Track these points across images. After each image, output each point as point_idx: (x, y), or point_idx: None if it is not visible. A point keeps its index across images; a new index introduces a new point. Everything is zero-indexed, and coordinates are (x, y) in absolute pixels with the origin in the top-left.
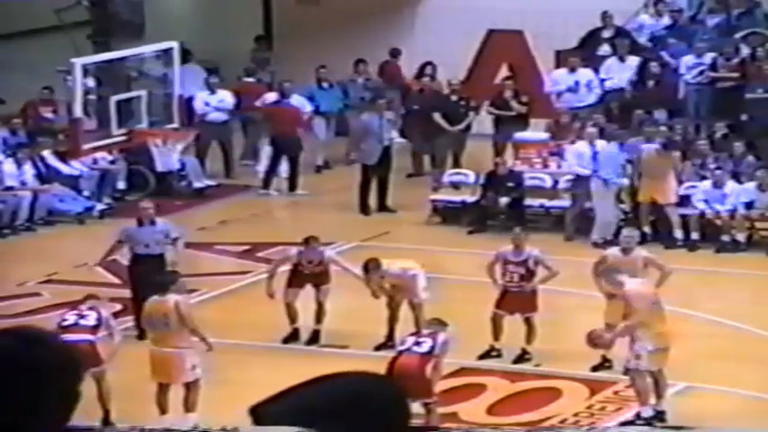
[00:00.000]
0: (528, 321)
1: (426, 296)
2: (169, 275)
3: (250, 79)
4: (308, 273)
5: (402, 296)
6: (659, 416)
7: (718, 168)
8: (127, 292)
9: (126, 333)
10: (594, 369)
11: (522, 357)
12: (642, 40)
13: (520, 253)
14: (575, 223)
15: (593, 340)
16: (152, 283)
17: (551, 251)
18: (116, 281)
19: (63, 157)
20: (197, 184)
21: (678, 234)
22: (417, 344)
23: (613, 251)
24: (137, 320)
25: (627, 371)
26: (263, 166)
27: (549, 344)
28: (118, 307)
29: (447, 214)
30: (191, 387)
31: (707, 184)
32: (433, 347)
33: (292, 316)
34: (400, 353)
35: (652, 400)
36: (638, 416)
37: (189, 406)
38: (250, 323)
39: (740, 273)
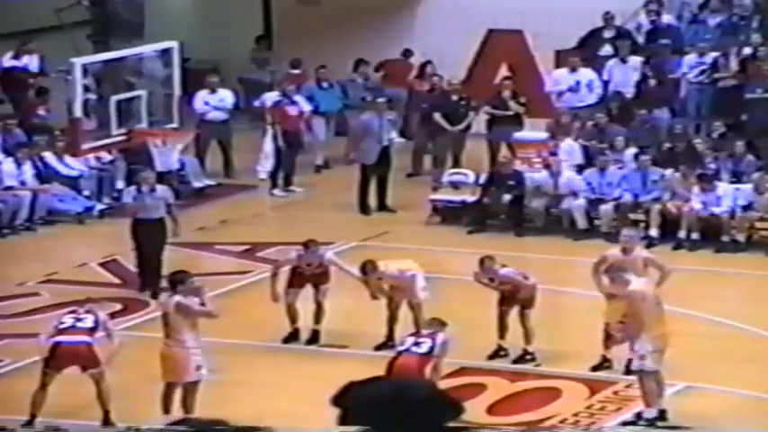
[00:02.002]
0: (522, 320)
1: (425, 296)
2: (179, 275)
3: (296, 71)
4: (309, 274)
5: (401, 296)
6: (661, 414)
7: (715, 171)
8: (128, 292)
9: (125, 334)
10: (594, 369)
11: (523, 358)
12: (642, 40)
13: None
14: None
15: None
16: (151, 243)
17: (551, 251)
18: (116, 281)
19: (62, 156)
20: (197, 184)
21: (682, 234)
22: (416, 344)
23: (613, 251)
24: (141, 276)
25: (632, 372)
26: (268, 166)
27: (549, 344)
28: (118, 307)
29: (447, 214)
30: (189, 388)
31: (699, 187)
32: (432, 348)
33: (293, 316)
34: (399, 353)
35: (658, 403)
36: (638, 416)
37: (188, 407)
38: (250, 323)
39: (740, 273)
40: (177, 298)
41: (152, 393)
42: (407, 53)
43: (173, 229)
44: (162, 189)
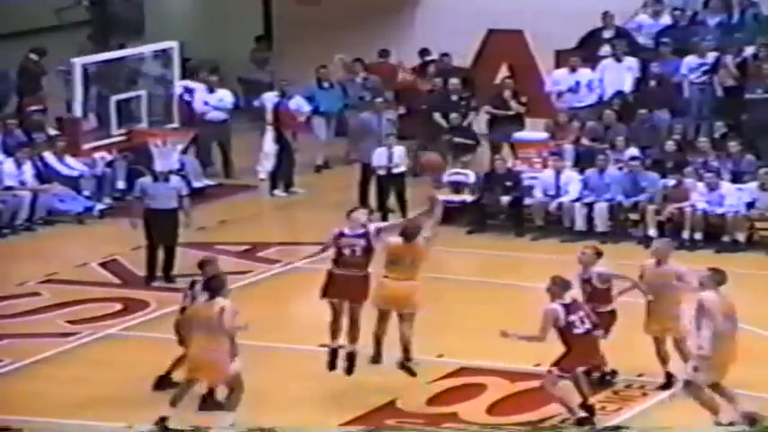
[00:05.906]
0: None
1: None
2: (217, 281)
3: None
4: (351, 263)
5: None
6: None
7: (717, 171)
8: (128, 292)
9: (126, 334)
10: (600, 378)
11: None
12: (642, 40)
13: (585, 271)
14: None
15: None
16: (165, 232)
17: (550, 250)
18: (116, 281)
19: (62, 156)
20: (196, 184)
21: (686, 234)
22: (591, 325)
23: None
24: (150, 267)
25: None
26: (268, 166)
27: (548, 344)
28: (118, 307)
29: (447, 214)
30: (231, 384)
31: (703, 186)
32: (596, 324)
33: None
34: (577, 333)
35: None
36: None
37: (230, 405)
38: (249, 323)
39: (740, 273)
40: (221, 304)
41: (151, 393)
42: (384, 53)
43: (184, 221)
44: (176, 179)
